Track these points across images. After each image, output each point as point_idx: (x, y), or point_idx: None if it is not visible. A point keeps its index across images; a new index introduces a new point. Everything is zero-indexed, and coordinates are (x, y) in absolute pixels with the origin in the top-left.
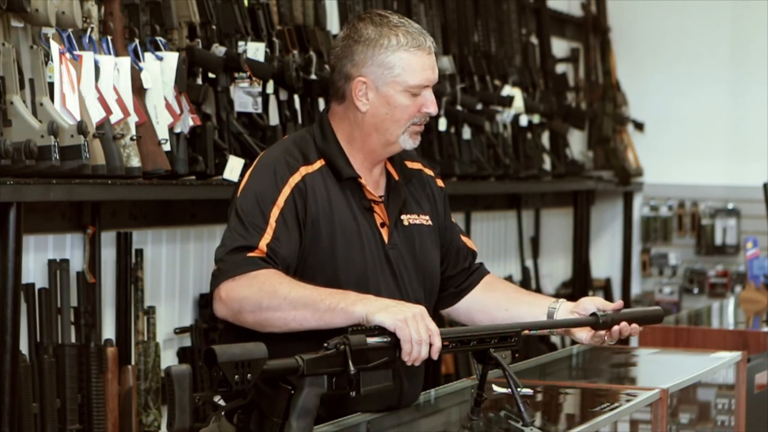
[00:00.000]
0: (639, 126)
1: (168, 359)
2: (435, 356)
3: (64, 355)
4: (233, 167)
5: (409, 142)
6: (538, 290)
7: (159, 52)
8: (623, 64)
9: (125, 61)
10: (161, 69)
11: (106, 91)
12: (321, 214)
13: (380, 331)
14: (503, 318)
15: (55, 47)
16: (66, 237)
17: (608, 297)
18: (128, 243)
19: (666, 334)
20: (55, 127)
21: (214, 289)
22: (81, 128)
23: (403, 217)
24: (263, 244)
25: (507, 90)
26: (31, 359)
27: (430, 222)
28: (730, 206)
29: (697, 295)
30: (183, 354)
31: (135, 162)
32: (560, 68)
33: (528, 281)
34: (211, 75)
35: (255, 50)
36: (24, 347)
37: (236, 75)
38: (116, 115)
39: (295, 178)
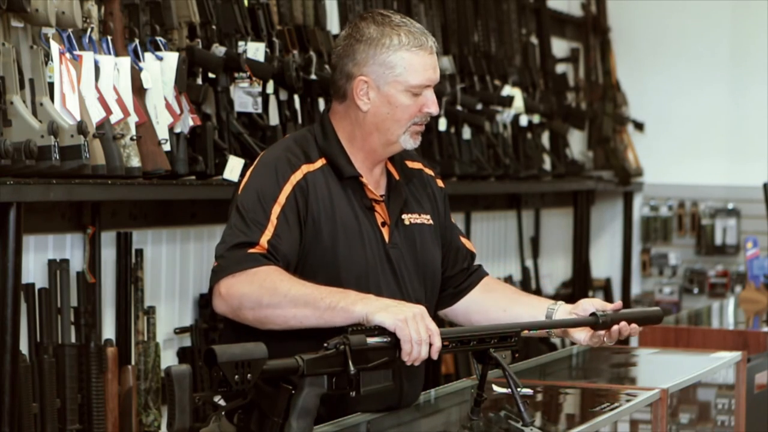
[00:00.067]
0: (639, 126)
1: (168, 359)
2: (435, 356)
3: (64, 355)
4: (233, 167)
5: (410, 142)
6: (538, 290)
7: (159, 52)
8: (623, 64)
9: (125, 61)
10: (161, 69)
11: (106, 91)
12: (322, 213)
13: (380, 331)
14: (501, 319)
15: (55, 47)
16: (66, 237)
17: (608, 297)
18: (128, 243)
19: (666, 334)
20: (55, 127)
21: (213, 285)
22: (81, 128)
23: (404, 216)
24: (264, 240)
25: (507, 90)
26: (31, 359)
27: (431, 221)
28: (730, 206)
29: (697, 295)
30: (183, 354)
31: (135, 162)
32: (560, 68)
33: (528, 281)
34: (211, 75)
35: (255, 50)
36: (24, 347)
37: (236, 75)
38: (116, 115)
39: (296, 176)
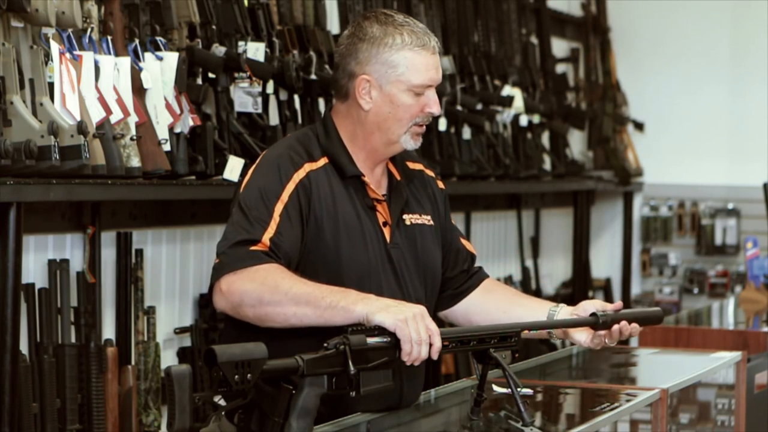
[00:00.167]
0: (639, 126)
1: (168, 359)
2: (435, 356)
3: (64, 355)
4: (233, 167)
5: (411, 143)
6: (538, 290)
7: (159, 52)
8: (623, 64)
9: (125, 61)
10: (161, 69)
11: (106, 91)
12: (324, 212)
13: (380, 331)
14: (502, 321)
15: (55, 47)
16: (66, 237)
17: (608, 297)
18: (128, 243)
19: (666, 334)
20: (55, 127)
21: (215, 281)
22: (81, 128)
23: (405, 216)
24: (266, 238)
25: (507, 90)
26: (31, 359)
27: (431, 222)
28: (730, 206)
29: (697, 295)
30: (183, 354)
31: (135, 162)
32: (560, 68)
33: (528, 281)
34: (211, 75)
35: (255, 50)
36: (24, 347)
37: (236, 75)
38: (116, 115)
39: (299, 174)
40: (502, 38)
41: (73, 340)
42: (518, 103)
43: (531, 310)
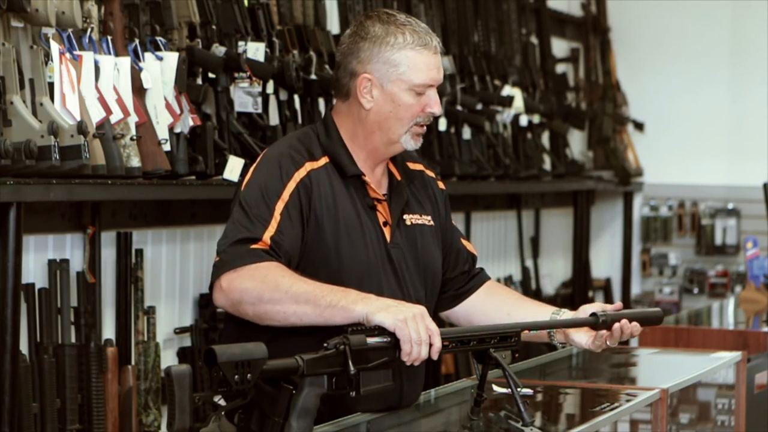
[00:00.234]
0: (639, 126)
1: (168, 359)
2: (435, 356)
3: (64, 355)
4: (233, 167)
5: (411, 143)
6: (538, 290)
7: (159, 52)
8: (623, 64)
9: (125, 61)
10: (161, 69)
11: (106, 91)
12: (325, 211)
13: (380, 331)
14: (504, 321)
15: (55, 47)
16: (66, 237)
17: (608, 297)
18: (128, 243)
19: (666, 334)
20: (55, 127)
21: (215, 279)
22: (81, 128)
23: (405, 216)
24: (267, 236)
25: (507, 90)
26: (31, 359)
27: (432, 222)
28: (730, 206)
29: (697, 295)
30: (183, 354)
31: (135, 162)
32: (560, 68)
33: (528, 281)
34: (211, 75)
35: (255, 50)
36: (24, 347)
37: (236, 75)
38: (116, 115)
39: (300, 173)
40: (502, 38)
41: (73, 340)
42: (518, 103)
43: (533, 314)
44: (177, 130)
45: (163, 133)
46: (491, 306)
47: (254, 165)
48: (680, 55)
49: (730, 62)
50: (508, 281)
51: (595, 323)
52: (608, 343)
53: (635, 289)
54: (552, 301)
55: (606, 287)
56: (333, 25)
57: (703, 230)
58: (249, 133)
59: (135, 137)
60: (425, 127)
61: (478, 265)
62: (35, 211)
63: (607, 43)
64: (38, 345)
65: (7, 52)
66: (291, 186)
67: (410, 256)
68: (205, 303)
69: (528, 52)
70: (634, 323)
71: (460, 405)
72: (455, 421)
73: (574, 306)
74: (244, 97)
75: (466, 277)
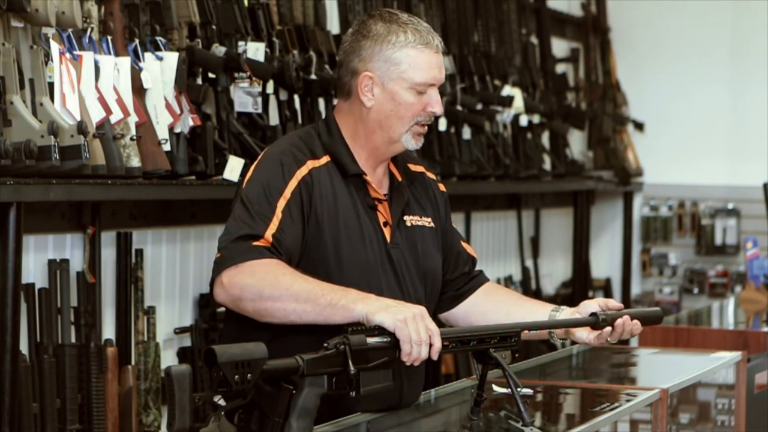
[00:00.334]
0: (639, 126)
1: (168, 359)
2: (435, 357)
3: (64, 355)
4: (233, 167)
5: (412, 143)
6: (538, 290)
7: (159, 52)
8: (623, 64)
9: (125, 61)
10: (161, 69)
11: (106, 91)
12: (325, 210)
13: (380, 331)
14: (504, 321)
15: (55, 47)
16: (66, 237)
17: (608, 297)
18: (128, 243)
19: (666, 334)
20: (55, 127)
21: (216, 275)
22: (81, 128)
23: (405, 217)
24: (269, 234)
25: (507, 90)
26: (31, 359)
27: (432, 224)
28: (730, 206)
29: (697, 295)
30: (183, 354)
31: (135, 162)
32: (560, 68)
33: (528, 281)
34: (211, 75)
35: (255, 50)
36: (24, 347)
37: (236, 75)
38: (116, 115)
39: (302, 171)
40: (502, 38)
41: (73, 340)
42: (518, 103)
43: (532, 313)
44: (177, 130)
45: (163, 133)
46: (490, 306)
47: (256, 162)
48: (680, 55)
49: (730, 62)
50: (508, 281)
51: (595, 323)
52: (609, 339)
53: (635, 289)
54: (552, 301)
55: (606, 287)
56: (333, 25)
57: (703, 230)
58: (249, 133)
59: (135, 137)
60: (426, 127)
61: (478, 266)
62: (35, 211)
63: (607, 43)
64: (38, 345)
65: (7, 52)
66: (293, 184)
67: (410, 257)
68: (205, 303)
69: (528, 52)
70: (635, 321)
71: (460, 405)
72: (455, 421)
73: (573, 305)
74: (244, 97)
75: (465, 279)
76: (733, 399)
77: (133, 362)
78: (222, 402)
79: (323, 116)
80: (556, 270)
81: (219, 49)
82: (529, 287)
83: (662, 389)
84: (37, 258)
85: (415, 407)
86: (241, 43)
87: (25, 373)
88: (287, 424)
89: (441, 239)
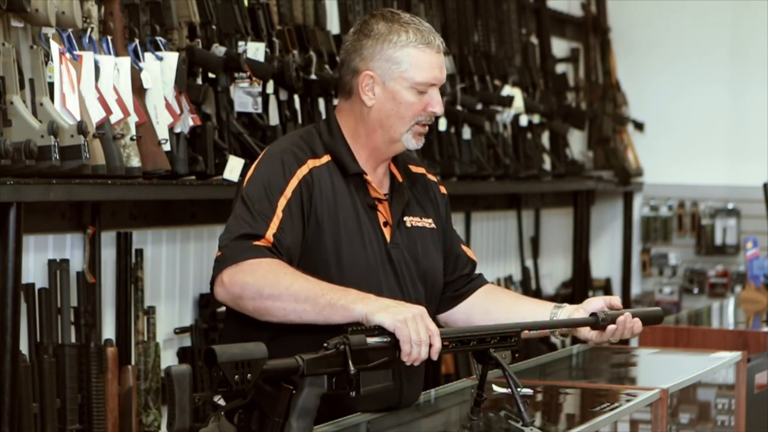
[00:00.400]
0: (639, 126)
1: (168, 359)
2: (435, 357)
3: (64, 355)
4: (233, 167)
5: (413, 142)
6: (538, 290)
7: (159, 52)
8: (623, 64)
9: (125, 61)
10: (161, 69)
11: (106, 91)
12: (325, 210)
13: (380, 331)
14: (505, 319)
15: (55, 47)
16: (66, 237)
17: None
18: (128, 243)
19: (666, 334)
20: (55, 127)
21: (217, 274)
22: (81, 128)
23: (405, 218)
24: (269, 234)
25: (507, 90)
26: (31, 359)
27: (432, 225)
28: (730, 206)
29: (697, 295)
30: (183, 354)
31: (135, 162)
32: (560, 68)
33: (528, 281)
34: (211, 75)
35: (255, 50)
36: (24, 347)
37: (236, 75)
38: (116, 115)
39: (303, 170)
40: (502, 38)
41: (73, 340)
42: (518, 103)
43: (533, 311)
44: (177, 130)
45: (163, 133)
46: (491, 306)
47: (257, 161)
48: (680, 55)
49: (730, 62)
50: (508, 281)
51: (595, 323)
52: (610, 338)
53: (635, 289)
54: (552, 301)
55: (606, 287)
56: (333, 25)
57: (703, 230)
58: (249, 133)
59: (135, 137)
60: (427, 127)
61: (478, 266)
62: (35, 211)
63: (607, 43)
64: (38, 345)
65: (7, 52)
66: (293, 183)
67: (410, 257)
68: (205, 303)
69: (528, 52)
70: (636, 319)
71: (460, 405)
72: (455, 421)
73: (576, 304)
74: (244, 97)
75: (464, 280)
76: (733, 399)
77: (133, 362)
78: (222, 402)
79: (323, 116)
80: (556, 270)
81: (219, 49)
82: (529, 287)
83: (662, 389)
84: (37, 258)
85: (415, 407)
86: (241, 43)
87: (25, 373)
88: (287, 424)
89: (442, 241)
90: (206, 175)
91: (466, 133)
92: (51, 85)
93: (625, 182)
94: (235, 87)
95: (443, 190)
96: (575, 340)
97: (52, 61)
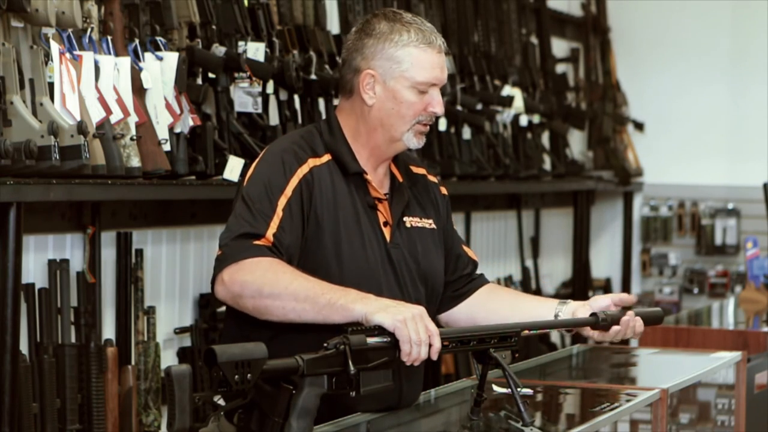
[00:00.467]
0: (639, 126)
1: (168, 359)
2: (434, 357)
3: (64, 355)
4: (233, 167)
5: (414, 141)
6: (538, 290)
7: (159, 52)
8: (623, 64)
9: (125, 61)
10: (161, 69)
11: (106, 91)
12: (325, 209)
13: (380, 331)
14: (508, 317)
15: (55, 47)
16: (66, 237)
17: None
18: (128, 243)
19: (666, 334)
20: (55, 127)
21: (217, 273)
22: (81, 128)
23: (405, 218)
24: (270, 233)
25: (507, 90)
26: (31, 359)
27: (433, 226)
28: (730, 206)
29: (697, 295)
30: (183, 354)
31: (135, 162)
32: (560, 68)
33: (528, 281)
34: (211, 75)
35: (255, 50)
36: (24, 347)
37: (236, 75)
38: (116, 115)
39: (303, 169)
40: (502, 38)
41: (73, 340)
42: (518, 103)
43: (536, 308)
44: (177, 130)
45: (163, 133)
46: (494, 305)
47: (257, 160)
48: (680, 55)
49: (730, 62)
50: (508, 281)
51: (595, 323)
52: (614, 338)
53: (635, 289)
54: None
55: (606, 287)
56: (333, 25)
57: (703, 230)
58: (249, 133)
59: (135, 137)
60: (428, 126)
61: (478, 268)
62: (35, 211)
63: (607, 43)
64: (38, 345)
65: (7, 52)
66: (294, 181)
67: (410, 257)
68: (205, 303)
69: (528, 52)
70: (638, 318)
71: (460, 405)
72: (455, 421)
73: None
74: (244, 97)
75: (465, 280)
76: (733, 399)
77: (133, 362)
78: (222, 402)
79: (323, 116)
80: (556, 270)
81: (219, 49)
82: (529, 287)
83: (662, 389)
84: (37, 258)
85: (415, 407)
86: (241, 43)
87: (25, 373)
88: (287, 424)
89: (442, 241)
90: (206, 175)
91: (466, 133)
92: (51, 85)
93: (625, 182)
94: (235, 87)
95: (444, 190)
96: (577, 338)
97: (52, 61)
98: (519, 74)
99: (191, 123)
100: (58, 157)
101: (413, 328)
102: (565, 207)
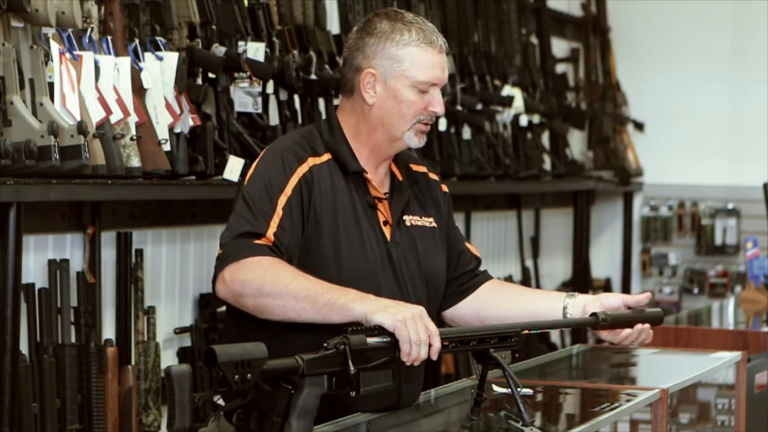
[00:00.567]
0: (639, 126)
1: (168, 359)
2: (434, 357)
3: (64, 355)
4: (233, 167)
5: (414, 141)
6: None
7: (159, 52)
8: (623, 64)
9: (125, 61)
10: (161, 69)
11: (106, 91)
12: (324, 208)
13: (380, 331)
14: (515, 310)
15: (55, 47)
16: (66, 237)
17: None
18: (128, 243)
19: (666, 334)
20: (55, 127)
21: (218, 271)
22: (81, 128)
23: (405, 217)
24: (270, 233)
25: (507, 90)
26: (31, 359)
27: (433, 224)
28: (730, 206)
29: (697, 295)
30: (183, 354)
31: (135, 162)
32: (560, 68)
33: (528, 281)
34: (211, 75)
35: (255, 50)
36: (24, 347)
37: (236, 75)
38: (116, 115)
39: (303, 168)
40: (502, 38)
41: (73, 340)
42: (518, 103)
43: (543, 302)
44: (177, 130)
45: (163, 133)
46: (500, 299)
47: (258, 159)
48: (680, 55)
49: (730, 62)
50: (508, 281)
51: (595, 323)
52: (624, 341)
53: (635, 289)
54: None
55: (606, 287)
56: (333, 25)
57: (703, 230)
58: (249, 133)
59: (135, 137)
60: (429, 125)
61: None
62: (35, 211)
63: (607, 43)
64: (38, 345)
65: (7, 52)
66: (294, 180)
67: (411, 256)
68: (205, 303)
69: (528, 52)
70: (647, 327)
71: (460, 405)
72: (455, 421)
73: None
74: (244, 97)
75: (469, 275)
76: (733, 399)
77: (133, 362)
78: (222, 402)
79: (323, 116)
80: (556, 270)
81: (219, 49)
82: (529, 287)
83: (662, 389)
84: (37, 258)
85: (415, 407)
86: (241, 43)
87: (25, 373)
88: (287, 424)
89: (444, 239)
90: (206, 175)
91: (466, 133)
92: (51, 85)
93: (625, 182)
94: (235, 87)
95: (445, 188)
96: (577, 338)
97: (52, 61)
98: (519, 74)
99: (191, 123)
100: (58, 157)
101: (413, 328)
102: (565, 207)
